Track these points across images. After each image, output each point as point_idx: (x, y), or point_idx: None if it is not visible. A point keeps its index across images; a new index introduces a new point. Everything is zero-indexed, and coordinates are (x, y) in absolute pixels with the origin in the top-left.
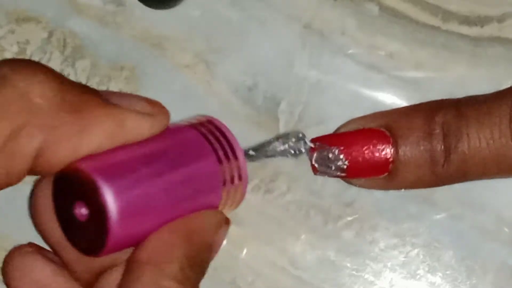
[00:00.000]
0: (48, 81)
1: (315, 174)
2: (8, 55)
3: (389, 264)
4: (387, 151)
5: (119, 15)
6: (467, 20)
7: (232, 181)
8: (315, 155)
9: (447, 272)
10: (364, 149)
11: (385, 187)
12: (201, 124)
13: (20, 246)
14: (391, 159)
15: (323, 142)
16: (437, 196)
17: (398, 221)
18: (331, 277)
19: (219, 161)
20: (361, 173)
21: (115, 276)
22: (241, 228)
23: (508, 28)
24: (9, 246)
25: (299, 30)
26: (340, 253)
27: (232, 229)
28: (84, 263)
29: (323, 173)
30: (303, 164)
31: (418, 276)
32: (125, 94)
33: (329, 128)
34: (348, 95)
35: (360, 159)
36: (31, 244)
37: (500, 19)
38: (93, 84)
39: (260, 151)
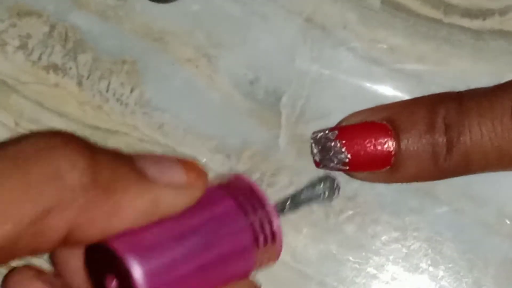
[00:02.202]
0: (81, 159)
1: (317, 167)
2: (9, 49)
3: (391, 258)
4: (389, 144)
5: (120, 9)
6: (469, 13)
7: (265, 243)
8: (316, 148)
9: (449, 266)
10: (366, 142)
11: (387, 180)
12: (232, 186)
13: (20, 268)
14: (393, 152)
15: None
16: (439, 190)
17: (400, 215)
18: (333, 271)
19: (255, 233)
20: (363, 166)
21: None
22: None
23: (510, 21)
24: None
25: (300, 24)
26: (342, 247)
27: None
28: None
29: (325, 167)
30: (305, 158)
31: (421, 270)
32: (160, 158)
33: (331, 122)
34: (350, 88)
35: (362, 152)
36: (30, 267)
37: (502, 12)
38: (95, 78)
39: (293, 204)
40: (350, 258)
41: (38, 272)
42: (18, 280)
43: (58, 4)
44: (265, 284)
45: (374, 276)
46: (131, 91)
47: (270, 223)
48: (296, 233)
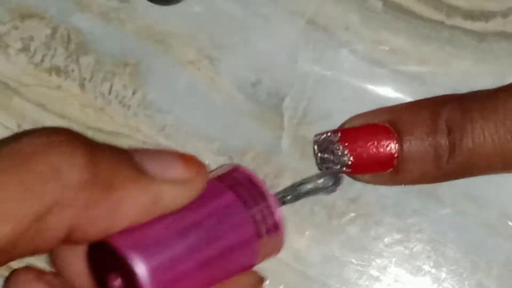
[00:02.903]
0: (80, 156)
1: (319, 170)
2: (12, 51)
3: (394, 260)
4: (392, 147)
5: (122, 11)
6: (471, 15)
7: (268, 234)
8: (319, 150)
9: (452, 268)
10: (368, 144)
11: (390, 182)
12: (232, 178)
13: (20, 270)
14: (395, 155)
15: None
16: (441, 191)
17: (403, 217)
18: (336, 273)
19: (257, 224)
20: (365, 169)
21: None
22: None
23: None
24: None
25: (302, 26)
26: (345, 249)
27: None
28: None
29: (327, 169)
30: (308, 160)
31: (423, 272)
32: (159, 154)
33: (333, 123)
34: (352, 90)
35: (365, 155)
36: (31, 268)
37: (505, 14)
38: (97, 80)
39: (294, 194)
40: (353, 260)
41: (39, 273)
42: (19, 282)
43: (60, 6)
44: (268, 285)
45: (377, 278)
46: (134, 93)
47: (272, 213)
48: (298, 234)
